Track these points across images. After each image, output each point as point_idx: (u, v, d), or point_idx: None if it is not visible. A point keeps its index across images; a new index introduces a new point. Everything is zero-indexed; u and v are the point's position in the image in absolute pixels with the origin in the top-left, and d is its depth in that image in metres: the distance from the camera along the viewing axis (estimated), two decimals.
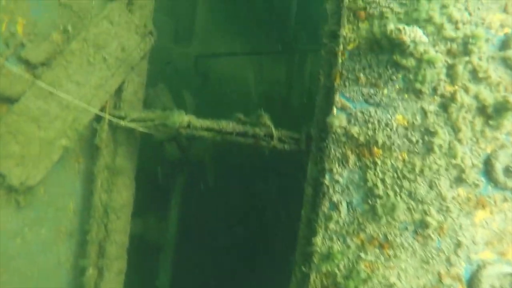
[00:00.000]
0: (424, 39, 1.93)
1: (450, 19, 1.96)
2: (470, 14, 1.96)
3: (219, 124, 2.65)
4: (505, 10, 1.97)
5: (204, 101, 5.93)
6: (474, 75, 1.96)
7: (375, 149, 2.09)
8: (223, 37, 6.44)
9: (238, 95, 6.54)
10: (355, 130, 2.12)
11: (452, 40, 1.97)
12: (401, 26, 1.93)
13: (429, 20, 1.96)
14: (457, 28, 1.96)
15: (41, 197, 3.14)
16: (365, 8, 2.12)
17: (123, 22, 3.09)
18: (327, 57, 2.28)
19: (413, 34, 1.91)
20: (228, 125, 2.60)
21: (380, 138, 2.07)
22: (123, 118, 3.13)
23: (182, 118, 2.74)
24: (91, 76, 3.01)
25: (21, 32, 2.76)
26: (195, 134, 2.76)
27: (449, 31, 1.96)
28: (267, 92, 6.98)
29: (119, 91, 3.26)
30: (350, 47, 2.16)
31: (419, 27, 1.96)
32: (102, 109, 3.19)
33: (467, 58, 1.94)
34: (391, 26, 1.94)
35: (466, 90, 1.95)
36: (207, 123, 2.73)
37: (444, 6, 1.96)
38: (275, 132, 2.45)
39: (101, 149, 3.18)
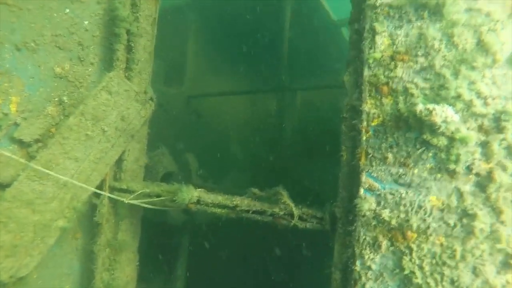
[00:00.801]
0: (455, 118, 1.83)
1: (479, 94, 1.87)
2: (498, 88, 1.88)
3: (233, 200, 2.46)
4: None
5: (198, 139, 5.78)
6: (510, 151, 1.85)
7: (409, 233, 1.93)
8: (215, 76, 6.40)
9: (231, 131, 6.43)
10: (386, 213, 1.97)
11: (483, 116, 1.87)
12: (430, 106, 1.82)
13: (458, 97, 1.87)
14: (487, 104, 1.87)
15: (33, 283, 2.84)
16: (387, 83, 2.02)
17: (122, 91, 2.94)
18: (348, 133, 2.16)
19: (444, 114, 1.80)
20: (243, 202, 2.42)
21: (414, 221, 1.92)
22: (125, 191, 2.92)
23: (191, 194, 2.55)
24: (90, 150, 2.81)
25: (14, 111, 2.57)
26: (206, 210, 2.56)
27: (479, 107, 1.87)
28: (259, 126, 6.93)
29: (119, 160, 3.07)
30: (374, 123, 2.05)
31: (449, 104, 1.86)
32: (102, 181, 2.99)
33: (501, 136, 1.84)
34: (420, 107, 1.84)
35: (504, 168, 1.84)
36: (219, 198, 2.54)
37: (472, 82, 1.88)
38: (295, 211, 2.27)
39: (102, 225, 2.94)
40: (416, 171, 1.95)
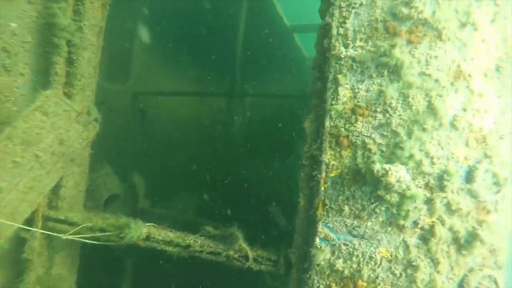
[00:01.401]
0: (407, 177, 1.94)
1: (427, 154, 2.01)
2: (442, 148, 2.04)
3: (185, 239, 2.37)
4: (467, 144, 2.08)
5: (144, 138, 5.50)
6: (448, 207, 2.03)
7: (360, 282, 2.04)
8: (164, 73, 6.10)
9: (179, 132, 6.22)
10: (339, 263, 2.05)
11: (430, 175, 2.02)
12: (386, 167, 1.91)
13: (411, 157, 1.98)
14: (433, 164, 2.02)
15: None
16: (347, 136, 2.07)
17: (61, 111, 2.63)
18: (306, 180, 2.18)
19: (398, 174, 1.91)
20: (196, 242, 2.34)
21: (365, 271, 2.03)
22: (63, 222, 2.65)
23: (140, 231, 2.40)
24: (18, 179, 2.48)
25: None
26: (156, 247, 2.43)
27: (427, 166, 2.01)
28: (208, 126, 6.85)
29: (56, 186, 2.76)
30: (332, 174, 2.10)
31: (402, 163, 1.97)
32: (35, 211, 2.67)
33: (443, 194, 2.00)
34: (377, 166, 1.92)
35: (443, 222, 2.01)
36: (170, 235, 2.42)
37: (422, 143, 2.00)
38: (250, 253, 2.26)
39: (32, 261, 2.64)
40: (369, 223, 2.04)
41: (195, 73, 6.45)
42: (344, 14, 2.11)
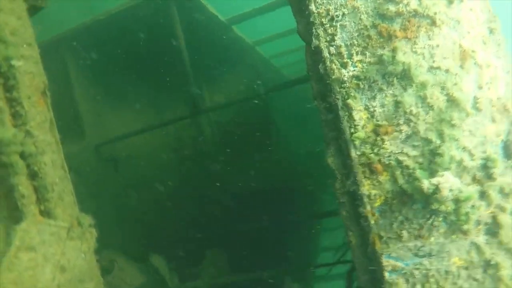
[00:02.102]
0: (457, 181, 1.80)
1: (464, 149, 1.88)
2: (474, 136, 1.91)
3: None
4: (493, 119, 1.97)
5: (123, 185, 5.12)
6: (502, 192, 1.92)
7: None
8: (118, 114, 5.65)
9: (153, 170, 5.87)
10: None
11: (473, 168, 1.89)
12: (435, 181, 1.76)
13: (451, 159, 1.84)
14: (472, 155, 1.89)
15: None
16: (379, 160, 1.89)
17: (48, 236, 2.25)
18: (351, 218, 1.99)
19: (449, 185, 1.76)
20: None
21: (448, 287, 1.90)
22: None
23: None
24: None
25: None
26: None
27: (468, 161, 1.88)
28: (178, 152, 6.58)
29: None
30: (377, 204, 1.92)
31: (445, 169, 1.83)
32: None
33: (492, 181, 1.89)
34: (425, 184, 1.76)
35: (503, 209, 1.91)
36: None
37: (456, 140, 1.86)
38: None
39: None
40: (432, 239, 1.90)
41: (148, 100, 6.03)
42: (329, 31, 1.88)
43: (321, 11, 1.90)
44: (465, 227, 1.88)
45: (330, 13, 1.88)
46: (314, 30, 1.88)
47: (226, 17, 7.06)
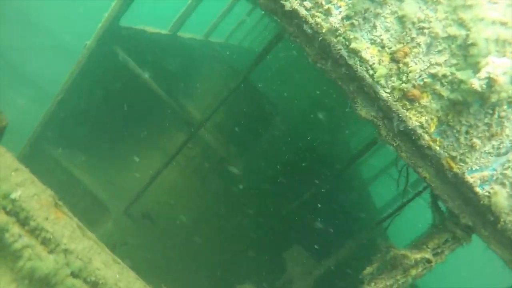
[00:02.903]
0: (506, 61, 1.59)
1: (494, 22, 1.66)
2: (498, 2, 1.69)
3: None
4: None
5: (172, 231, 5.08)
6: None
7: None
8: (128, 170, 5.55)
9: (185, 200, 5.79)
10: None
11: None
12: (484, 73, 1.56)
13: (488, 41, 1.62)
14: (506, 25, 1.67)
15: None
16: (413, 86, 1.69)
17: None
18: (415, 155, 1.82)
19: (500, 69, 1.56)
20: None
21: None
22: None
23: None
24: None
25: None
26: None
27: (505, 33, 1.66)
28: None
29: None
30: (433, 129, 1.74)
31: (486, 55, 1.62)
32: None
33: None
34: (475, 82, 1.57)
35: None
36: None
37: (481, 19, 1.64)
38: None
39: None
40: (507, 131, 1.72)
41: (143, 145, 5.89)
42: None
43: None
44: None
45: None
46: None
47: (167, 29, 6.76)
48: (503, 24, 1.66)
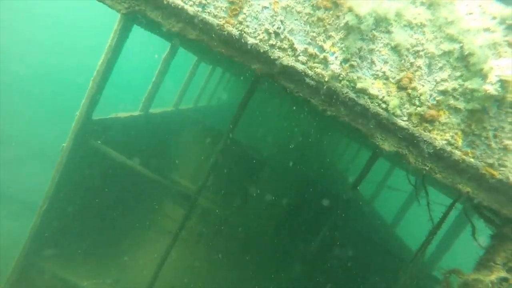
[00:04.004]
0: (508, 61, 1.62)
1: (478, 31, 1.71)
2: (474, 13, 1.76)
3: None
4: None
5: None
6: None
7: None
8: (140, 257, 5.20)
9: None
10: None
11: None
12: (493, 77, 1.57)
13: (483, 48, 1.66)
14: (490, 29, 1.73)
15: None
16: (428, 107, 1.68)
17: None
18: (451, 173, 1.76)
19: (510, 69, 1.57)
20: None
21: None
22: None
23: None
24: None
25: None
26: None
27: (495, 35, 1.71)
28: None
29: None
30: (460, 142, 1.70)
31: (485, 60, 1.64)
32: None
33: None
34: (489, 88, 1.56)
35: None
36: None
37: (467, 30, 1.69)
38: None
39: None
40: None
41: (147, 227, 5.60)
42: (284, 44, 1.65)
43: (259, 36, 1.68)
44: None
45: (270, 31, 1.66)
46: (263, 49, 1.65)
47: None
48: (487, 30, 1.71)
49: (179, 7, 1.65)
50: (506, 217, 1.80)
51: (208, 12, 1.68)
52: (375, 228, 7.56)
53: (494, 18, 1.75)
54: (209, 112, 11.13)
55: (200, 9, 1.68)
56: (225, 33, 1.66)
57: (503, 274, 1.75)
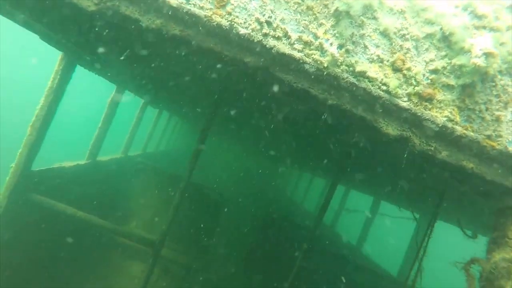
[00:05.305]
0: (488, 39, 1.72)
1: (457, 7, 1.82)
2: None
3: None
4: None
5: None
6: None
7: None
8: None
9: None
10: None
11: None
12: (477, 50, 1.64)
13: (464, 26, 1.75)
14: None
15: None
16: (423, 85, 1.68)
17: None
18: (453, 152, 1.75)
19: (486, 42, 1.66)
20: None
21: None
22: None
23: None
24: None
25: None
26: None
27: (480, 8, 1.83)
28: None
29: None
30: (458, 117, 1.72)
31: (469, 37, 1.73)
32: None
33: None
34: (476, 60, 1.63)
35: None
36: None
37: (442, 15, 1.79)
38: None
39: None
40: None
41: None
42: (277, 34, 1.56)
43: (250, 25, 1.57)
44: None
45: (261, 20, 1.57)
46: (257, 39, 1.54)
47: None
48: (456, 15, 1.83)
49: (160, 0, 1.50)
50: (509, 189, 1.82)
51: (193, 4, 1.54)
52: (345, 248, 7.47)
53: (456, 6, 1.89)
54: (160, 158, 10.60)
55: (184, 0, 1.54)
56: (214, 24, 1.53)
57: None
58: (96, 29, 1.87)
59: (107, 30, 1.86)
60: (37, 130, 3.74)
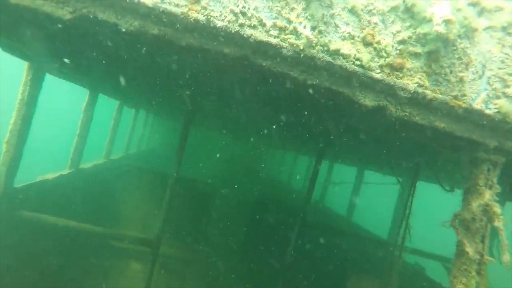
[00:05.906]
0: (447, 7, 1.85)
1: None
2: None
3: None
4: None
5: None
6: None
7: None
8: None
9: None
10: None
11: None
12: (438, 18, 1.77)
13: None
14: None
15: None
16: (393, 56, 1.81)
17: None
18: (426, 113, 1.90)
19: (448, 9, 1.79)
20: None
21: None
22: None
23: None
24: None
25: None
26: None
27: None
28: None
29: None
30: (427, 82, 1.86)
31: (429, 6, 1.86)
32: None
33: None
34: (437, 28, 1.76)
35: None
36: None
37: None
38: None
39: None
40: (472, 56, 1.95)
41: None
42: (252, 23, 1.64)
43: (226, 17, 1.64)
44: None
45: (236, 11, 1.64)
46: (234, 30, 1.62)
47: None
48: None
49: (135, 1, 1.53)
50: (476, 142, 2.00)
51: (168, 3, 1.59)
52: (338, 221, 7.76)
53: None
54: (143, 158, 10.53)
55: (158, 0, 1.58)
56: (192, 20, 1.59)
57: (492, 191, 1.92)
58: (72, 37, 1.88)
59: (82, 37, 1.87)
60: (14, 146, 3.67)
